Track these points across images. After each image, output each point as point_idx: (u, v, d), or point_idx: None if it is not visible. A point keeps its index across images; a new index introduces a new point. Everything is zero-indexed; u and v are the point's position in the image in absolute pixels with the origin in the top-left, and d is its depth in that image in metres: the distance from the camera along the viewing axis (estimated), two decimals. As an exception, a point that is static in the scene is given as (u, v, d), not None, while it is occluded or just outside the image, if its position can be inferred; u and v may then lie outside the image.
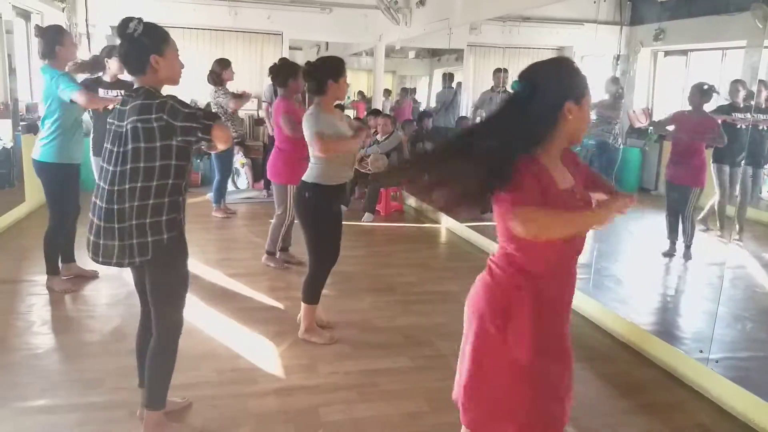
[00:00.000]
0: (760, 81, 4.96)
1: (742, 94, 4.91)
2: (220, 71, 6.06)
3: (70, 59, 3.90)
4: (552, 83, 1.66)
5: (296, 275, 4.62)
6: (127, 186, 2.10)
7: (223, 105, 6.06)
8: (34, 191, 5.53)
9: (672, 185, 5.05)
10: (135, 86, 2.20)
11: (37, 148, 3.84)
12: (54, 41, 3.75)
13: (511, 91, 1.73)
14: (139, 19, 2.19)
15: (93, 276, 4.27)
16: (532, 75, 1.68)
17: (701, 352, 3.17)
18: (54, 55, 3.74)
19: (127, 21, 2.17)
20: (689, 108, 4.86)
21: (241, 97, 6.19)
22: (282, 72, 4.48)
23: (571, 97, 1.64)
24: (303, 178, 3.27)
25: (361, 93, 11.17)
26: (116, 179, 2.11)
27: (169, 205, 2.17)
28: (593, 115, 5.74)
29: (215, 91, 6.09)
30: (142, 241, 2.13)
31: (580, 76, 1.69)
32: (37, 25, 4.12)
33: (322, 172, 3.21)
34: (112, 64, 4.49)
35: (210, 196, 6.62)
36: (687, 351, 3.25)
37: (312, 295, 3.39)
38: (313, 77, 3.26)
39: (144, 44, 2.17)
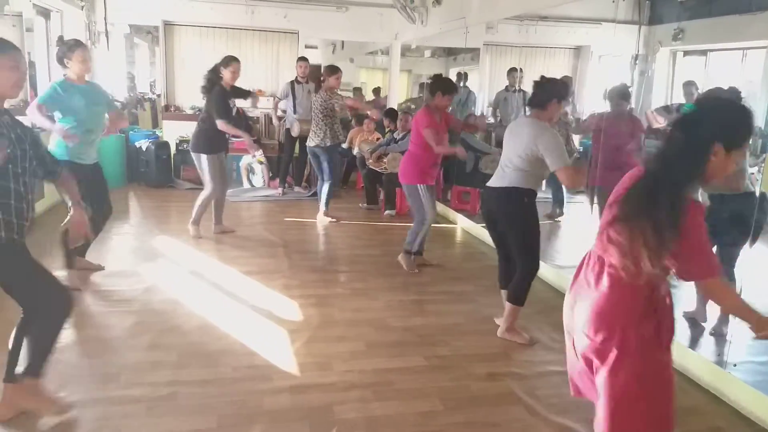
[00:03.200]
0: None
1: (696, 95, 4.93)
2: (326, 77, 6.09)
3: (81, 73, 4.02)
4: (711, 118, 1.70)
5: (310, 273, 4.64)
6: None
7: (331, 107, 6.06)
8: (52, 187, 5.58)
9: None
10: None
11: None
12: (63, 55, 3.95)
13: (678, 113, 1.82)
14: None
15: (98, 269, 4.39)
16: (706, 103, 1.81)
17: (719, 355, 3.14)
18: (65, 66, 3.96)
19: None
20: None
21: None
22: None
23: (721, 140, 1.67)
24: (518, 186, 3.36)
25: (377, 89, 11.16)
26: None
27: None
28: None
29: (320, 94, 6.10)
30: None
31: (745, 124, 1.72)
32: (60, 36, 4.34)
33: (529, 178, 3.35)
34: (225, 74, 5.05)
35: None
36: (705, 354, 3.22)
37: (522, 295, 3.49)
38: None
39: None
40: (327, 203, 6.27)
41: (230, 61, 5.11)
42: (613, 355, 1.81)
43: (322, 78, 6.12)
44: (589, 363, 1.92)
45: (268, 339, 3.41)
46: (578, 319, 1.92)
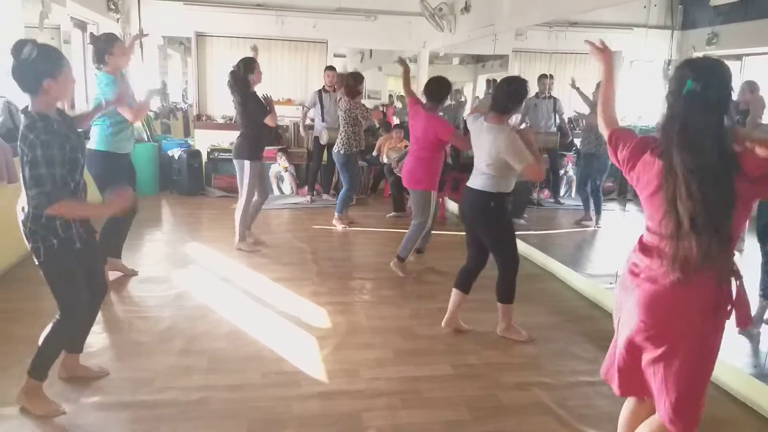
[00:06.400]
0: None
1: None
2: (354, 84, 6.20)
3: (121, 66, 4.17)
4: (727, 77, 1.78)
5: (338, 280, 4.66)
6: None
7: (358, 117, 6.20)
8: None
9: None
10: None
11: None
12: (104, 50, 4.06)
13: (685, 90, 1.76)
14: (34, 43, 2.29)
15: (133, 274, 4.50)
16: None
17: (755, 367, 3.06)
18: (105, 62, 4.07)
19: (21, 45, 2.27)
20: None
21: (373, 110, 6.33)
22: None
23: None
24: (488, 190, 3.42)
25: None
26: None
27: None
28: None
29: (348, 102, 6.19)
30: None
31: None
32: (91, 33, 4.42)
33: (498, 182, 3.41)
34: (255, 78, 5.07)
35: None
36: (740, 365, 3.14)
37: (509, 294, 3.62)
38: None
39: (38, 68, 2.29)
40: (340, 209, 6.41)
41: (252, 62, 5.11)
42: (668, 344, 1.84)
43: (345, 84, 6.24)
44: (636, 352, 1.93)
45: (297, 345, 3.44)
46: (633, 306, 1.90)
